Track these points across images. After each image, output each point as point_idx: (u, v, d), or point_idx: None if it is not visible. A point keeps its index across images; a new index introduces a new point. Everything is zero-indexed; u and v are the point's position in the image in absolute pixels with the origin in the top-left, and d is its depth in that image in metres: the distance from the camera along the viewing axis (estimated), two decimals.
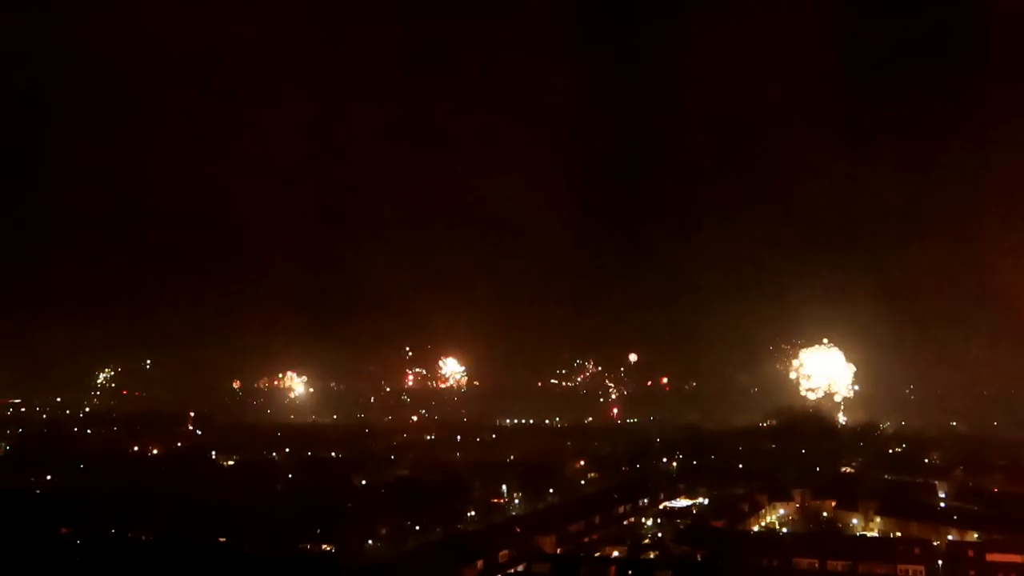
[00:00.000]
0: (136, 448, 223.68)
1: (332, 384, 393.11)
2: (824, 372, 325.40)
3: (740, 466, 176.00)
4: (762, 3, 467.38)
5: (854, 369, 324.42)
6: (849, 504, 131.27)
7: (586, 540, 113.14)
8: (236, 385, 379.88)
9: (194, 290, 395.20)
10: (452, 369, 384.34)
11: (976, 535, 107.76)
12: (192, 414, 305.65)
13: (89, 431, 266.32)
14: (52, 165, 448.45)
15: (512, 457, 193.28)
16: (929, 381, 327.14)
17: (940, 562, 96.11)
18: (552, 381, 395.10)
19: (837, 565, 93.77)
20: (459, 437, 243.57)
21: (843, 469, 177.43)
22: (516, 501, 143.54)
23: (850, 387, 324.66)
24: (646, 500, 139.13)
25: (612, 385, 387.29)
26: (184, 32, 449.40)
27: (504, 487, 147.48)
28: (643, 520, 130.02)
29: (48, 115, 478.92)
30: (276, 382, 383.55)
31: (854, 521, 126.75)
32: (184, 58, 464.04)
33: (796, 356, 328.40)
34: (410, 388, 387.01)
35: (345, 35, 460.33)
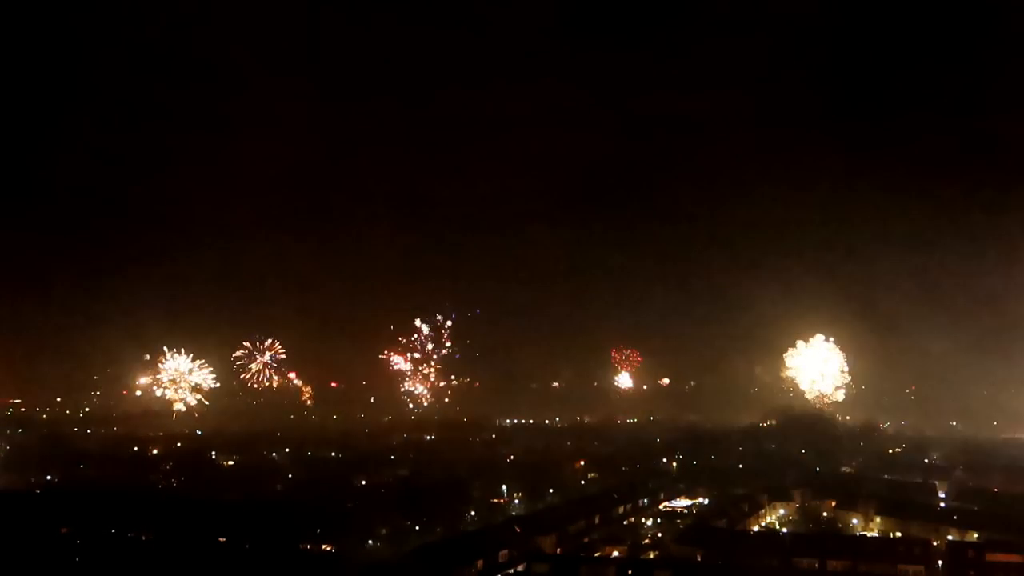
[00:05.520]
0: (136, 448, 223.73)
1: (332, 384, 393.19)
2: (824, 372, 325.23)
3: (740, 466, 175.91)
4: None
5: (850, 367, 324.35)
6: (849, 504, 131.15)
7: (586, 540, 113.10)
8: (235, 384, 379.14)
9: (194, 290, 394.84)
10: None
11: (976, 535, 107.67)
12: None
13: (89, 431, 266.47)
14: (51, 165, 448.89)
15: (512, 457, 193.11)
16: (929, 381, 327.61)
17: (940, 562, 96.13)
18: (552, 381, 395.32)
19: (837, 565, 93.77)
20: (459, 437, 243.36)
21: (843, 469, 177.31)
22: (516, 501, 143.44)
23: (850, 387, 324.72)
24: (646, 500, 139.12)
25: (611, 385, 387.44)
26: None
27: (504, 487, 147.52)
28: (643, 520, 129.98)
29: (47, 117, 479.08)
30: (275, 382, 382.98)
31: (854, 521, 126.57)
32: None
33: (797, 356, 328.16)
34: (409, 389, 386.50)
35: (343, 31, 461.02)
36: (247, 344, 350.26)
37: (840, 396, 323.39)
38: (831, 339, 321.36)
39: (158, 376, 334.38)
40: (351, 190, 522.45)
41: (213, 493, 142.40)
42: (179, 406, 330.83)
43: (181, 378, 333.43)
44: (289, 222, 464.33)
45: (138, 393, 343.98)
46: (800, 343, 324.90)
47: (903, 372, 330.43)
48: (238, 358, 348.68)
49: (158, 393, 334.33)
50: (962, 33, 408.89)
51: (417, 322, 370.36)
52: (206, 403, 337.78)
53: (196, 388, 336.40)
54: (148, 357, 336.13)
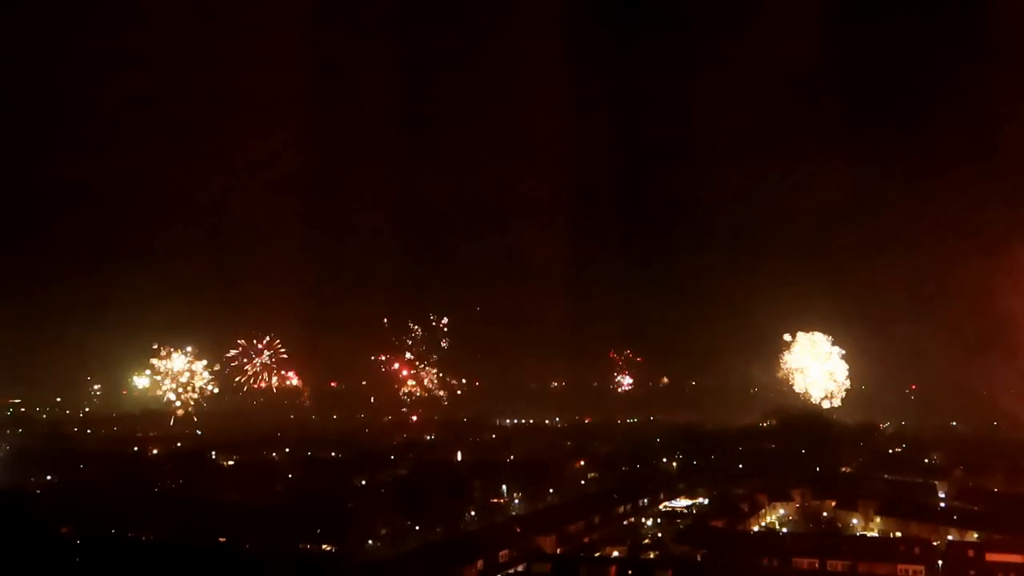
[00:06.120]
0: (136, 448, 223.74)
1: (331, 384, 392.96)
2: (824, 372, 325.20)
3: (740, 466, 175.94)
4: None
5: (849, 367, 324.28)
6: (849, 504, 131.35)
7: (586, 540, 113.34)
8: (235, 384, 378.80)
9: (194, 290, 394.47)
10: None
11: (976, 535, 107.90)
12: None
13: (89, 431, 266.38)
14: (49, 164, 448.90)
15: (512, 457, 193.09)
16: (929, 381, 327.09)
17: (940, 562, 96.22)
18: (552, 381, 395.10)
19: (837, 565, 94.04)
20: (459, 437, 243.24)
21: (843, 469, 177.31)
22: (516, 501, 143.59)
23: (849, 387, 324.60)
24: (646, 500, 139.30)
25: (612, 384, 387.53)
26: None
27: (504, 487, 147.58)
28: (643, 520, 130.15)
29: (45, 115, 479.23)
30: (275, 382, 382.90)
31: (854, 521, 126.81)
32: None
33: (795, 355, 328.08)
34: (410, 390, 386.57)
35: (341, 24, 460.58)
36: (242, 342, 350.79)
37: (839, 396, 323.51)
38: (830, 338, 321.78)
39: (158, 376, 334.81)
40: (349, 189, 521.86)
41: (213, 493, 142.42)
42: (179, 406, 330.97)
43: (181, 378, 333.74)
44: (287, 222, 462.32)
45: (137, 393, 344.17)
46: (798, 343, 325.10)
47: (903, 372, 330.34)
48: (232, 357, 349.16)
49: (158, 393, 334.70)
50: (962, 32, 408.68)
51: (411, 323, 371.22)
52: (205, 403, 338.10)
53: (196, 388, 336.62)
54: (148, 357, 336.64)
